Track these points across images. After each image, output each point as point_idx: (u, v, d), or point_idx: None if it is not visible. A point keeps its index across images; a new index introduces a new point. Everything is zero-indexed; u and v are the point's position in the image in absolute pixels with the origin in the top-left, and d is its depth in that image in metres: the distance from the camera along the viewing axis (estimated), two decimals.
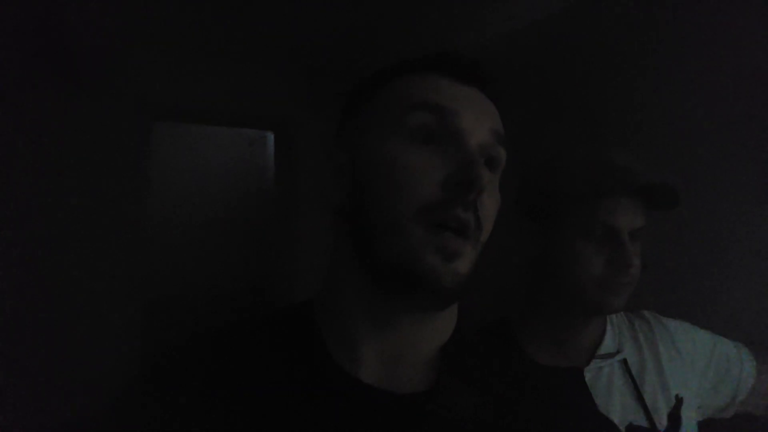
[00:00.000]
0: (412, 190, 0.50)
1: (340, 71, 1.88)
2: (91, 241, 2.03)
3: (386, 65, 0.59)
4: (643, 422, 0.85)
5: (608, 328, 0.94)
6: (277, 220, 2.70)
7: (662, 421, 0.85)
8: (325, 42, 2.08)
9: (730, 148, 1.10)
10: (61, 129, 1.96)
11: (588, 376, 0.88)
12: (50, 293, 1.91)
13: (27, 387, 1.71)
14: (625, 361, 0.90)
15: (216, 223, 3.16)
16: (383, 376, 0.54)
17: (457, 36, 1.86)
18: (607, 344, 0.92)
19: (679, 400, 0.87)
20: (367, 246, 0.53)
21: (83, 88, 1.97)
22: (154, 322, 2.25)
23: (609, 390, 0.87)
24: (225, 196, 3.19)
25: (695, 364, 0.92)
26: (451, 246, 0.50)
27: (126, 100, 2.14)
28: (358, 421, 0.51)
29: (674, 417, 0.86)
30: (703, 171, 1.13)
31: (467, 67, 0.56)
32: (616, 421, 0.84)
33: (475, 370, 0.58)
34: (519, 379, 0.61)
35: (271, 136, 2.97)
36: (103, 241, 2.07)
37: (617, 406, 0.86)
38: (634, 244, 0.87)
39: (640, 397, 0.87)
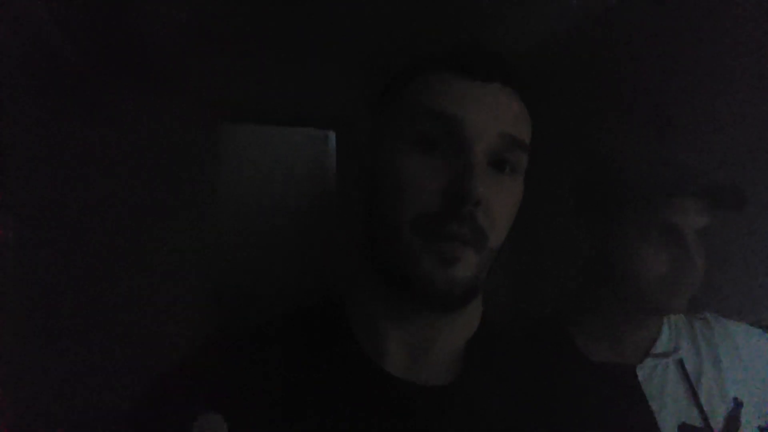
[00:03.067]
0: (409, 199, 0.50)
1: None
2: (164, 238, 2.14)
3: (405, 66, 0.57)
4: (697, 424, 0.82)
5: (665, 326, 0.91)
6: (339, 217, 2.76)
7: (718, 425, 0.83)
8: (387, 40, 2.11)
9: None
10: (134, 129, 2.08)
11: (641, 374, 0.86)
12: (126, 286, 2.03)
13: (104, 377, 1.81)
14: (680, 361, 0.88)
15: (279, 219, 3.26)
16: (409, 368, 0.55)
17: (520, 30, 1.84)
18: (663, 343, 0.89)
19: (738, 404, 0.84)
20: (371, 248, 0.55)
21: (158, 93, 2.08)
22: (224, 317, 2.35)
23: (662, 390, 0.85)
24: (287, 194, 3.29)
25: (757, 370, 0.88)
26: (448, 252, 0.49)
27: (195, 103, 2.27)
28: (384, 412, 0.52)
29: (732, 420, 0.83)
30: None
31: (482, 63, 0.53)
32: (668, 421, 0.82)
33: (505, 363, 0.58)
34: (560, 374, 0.61)
35: (333, 135, 3.04)
36: (176, 237, 2.18)
37: (670, 406, 0.84)
38: (698, 245, 0.84)
39: (695, 398, 0.84)
